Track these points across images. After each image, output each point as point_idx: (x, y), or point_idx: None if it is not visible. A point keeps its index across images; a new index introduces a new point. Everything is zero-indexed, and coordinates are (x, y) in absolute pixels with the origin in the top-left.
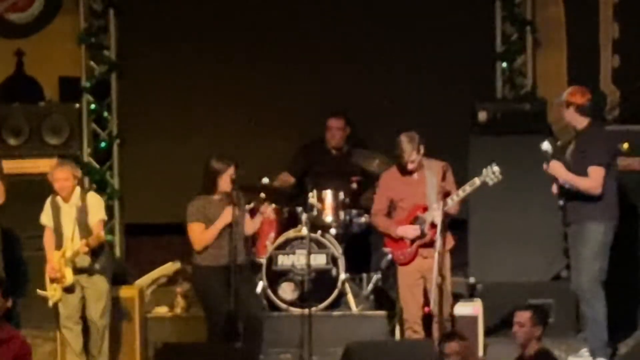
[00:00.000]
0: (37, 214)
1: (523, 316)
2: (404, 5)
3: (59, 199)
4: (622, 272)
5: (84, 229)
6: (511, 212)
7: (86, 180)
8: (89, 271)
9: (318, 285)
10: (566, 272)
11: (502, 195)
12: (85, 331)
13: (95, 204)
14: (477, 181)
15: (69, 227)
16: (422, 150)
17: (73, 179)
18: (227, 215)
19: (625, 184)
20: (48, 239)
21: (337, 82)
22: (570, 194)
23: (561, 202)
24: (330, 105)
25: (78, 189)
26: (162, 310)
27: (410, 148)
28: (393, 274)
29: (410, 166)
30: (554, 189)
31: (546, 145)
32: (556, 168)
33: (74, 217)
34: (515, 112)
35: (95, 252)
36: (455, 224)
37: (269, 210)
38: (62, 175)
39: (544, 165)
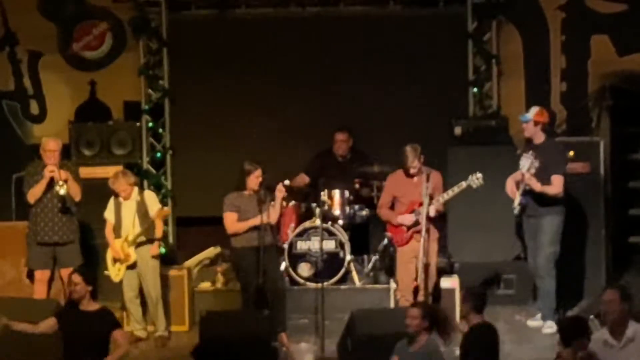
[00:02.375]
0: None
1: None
2: (397, 45)
3: (120, 197)
4: (570, 254)
5: (143, 218)
6: (481, 207)
7: (145, 183)
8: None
9: (329, 265)
10: (524, 254)
11: (473, 193)
12: (144, 302)
13: (152, 198)
14: (463, 184)
15: (129, 218)
16: (422, 159)
17: (128, 186)
18: (257, 219)
19: (571, 184)
20: (109, 231)
21: (343, 104)
22: (532, 194)
23: (523, 201)
24: (337, 122)
25: (136, 189)
26: (205, 285)
27: (413, 156)
28: (388, 256)
29: (412, 171)
30: (509, 190)
31: (524, 161)
32: (532, 180)
33: (134, 210)
34: (483, 128)
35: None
36: (437, 217)
37: (283, 189)
38: (120, 187)
39: (526, 175)
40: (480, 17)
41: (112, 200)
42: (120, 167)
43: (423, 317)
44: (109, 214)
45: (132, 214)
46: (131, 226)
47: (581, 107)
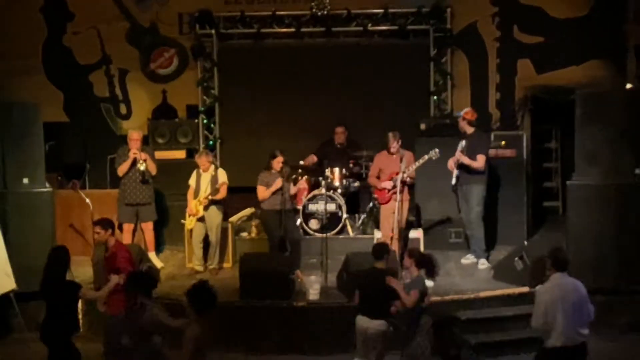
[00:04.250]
0: (174, 180)
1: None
2: (380, 65)
3: (200, 170)
4: (501, 215)
5: (214, 187)
6: (439, 179)
7: None
8: (217, 203)
9: (331, 221)
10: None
11: (433, 169)
12: (204, 247)
13: (222, 174)
14: (426, 156)
15: (204, 185)
16: (399, 142)
17: (207, 162)
18: (278, 183)
19: (500, 164)
20: (190, 193)
21: (342, 107)
22: (463, 168)
23: (458, 174)
24: (337, 119)
25: (213, 166)
26: (244, 234)
27: (393, 139)
28: (372, 215)
29: (392, 150)
30: (449, 166)
31: (460, 146)
32: (463, 157)
33: (208, 180)
34: (441, 124)
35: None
36: (409, 184)
37: (302, 182)
38: (201, 161)
39: (458, 153)
40: (439, 46)
41: (195, 171)
42: (184, 151)
43: (411, 256)
44: (192, 181)
45: (207, 183)
46: (204, 191)
47: (510, 110)
